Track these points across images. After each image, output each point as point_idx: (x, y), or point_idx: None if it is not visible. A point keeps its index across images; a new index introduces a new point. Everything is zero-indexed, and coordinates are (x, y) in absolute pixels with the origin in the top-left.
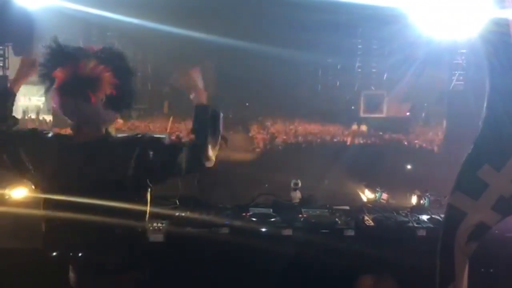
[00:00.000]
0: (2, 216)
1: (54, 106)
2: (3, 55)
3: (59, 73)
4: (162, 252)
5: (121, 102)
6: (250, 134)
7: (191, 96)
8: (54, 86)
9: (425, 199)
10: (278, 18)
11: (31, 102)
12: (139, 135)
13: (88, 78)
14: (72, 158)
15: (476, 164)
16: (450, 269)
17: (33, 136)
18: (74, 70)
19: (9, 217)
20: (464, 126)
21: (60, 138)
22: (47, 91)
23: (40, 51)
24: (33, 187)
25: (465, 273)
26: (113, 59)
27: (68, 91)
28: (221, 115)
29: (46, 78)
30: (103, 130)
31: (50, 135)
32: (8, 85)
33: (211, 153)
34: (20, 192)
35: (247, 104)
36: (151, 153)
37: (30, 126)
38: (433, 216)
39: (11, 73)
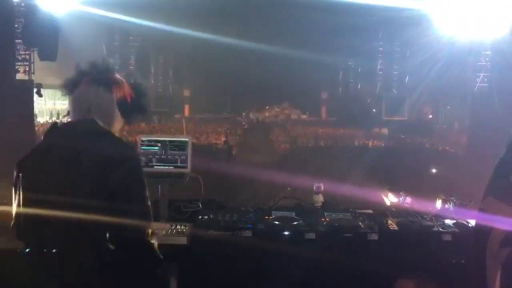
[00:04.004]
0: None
1: (74, 97)
2: (28, 60)
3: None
4: (185, 255)
5: (126, 111)
6: (270, 137)
7: None
8: (84, 79)
9: (450, 203)
10: (299, 22)
11: (55, 106)
12: (124, 161)
13: (112, 76)
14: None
15: (508, 169)
16: (482, 275)
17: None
18: (101, 73)
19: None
20: (488, 128)
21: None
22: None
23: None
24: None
25: (497, 280)
26: (134, 82)
27: (94, 81)
28: None
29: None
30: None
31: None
32: None
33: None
34: None
35: (267, 107)
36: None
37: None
38: (458, 220)
39: (36, 78)
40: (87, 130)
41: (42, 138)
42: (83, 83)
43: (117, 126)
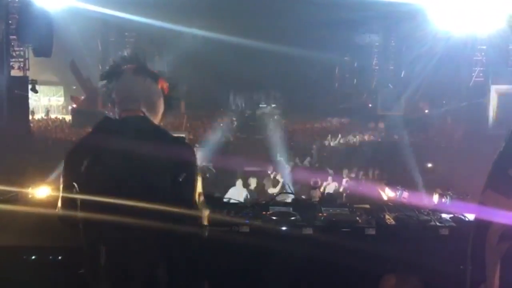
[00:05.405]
0: (25, 215)
1: (120, 86)
2: (23, 56)
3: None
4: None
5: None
6: (267, 132)
7: None
8: (127, 68)
9: (447, 197)
10: (294, 17)
11: (50, 102)
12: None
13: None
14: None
15: (508, 162)
16: (481, 270)
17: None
18: (144, 64)
19: (32, 216)
20: (484, 122)
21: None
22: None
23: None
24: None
25: (497, 274)
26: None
27: (140, 72)
28: None
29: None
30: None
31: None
32: None
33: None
34: (43, 191)
35: (263, 102)
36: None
37: (51, 124)
38: (455, 214)
39: (31, 74)
40: (144, 129)
41: (92, 131)
42: (127, 72)
43: (158, 120)
